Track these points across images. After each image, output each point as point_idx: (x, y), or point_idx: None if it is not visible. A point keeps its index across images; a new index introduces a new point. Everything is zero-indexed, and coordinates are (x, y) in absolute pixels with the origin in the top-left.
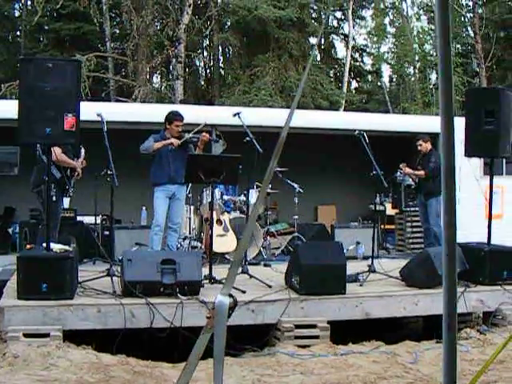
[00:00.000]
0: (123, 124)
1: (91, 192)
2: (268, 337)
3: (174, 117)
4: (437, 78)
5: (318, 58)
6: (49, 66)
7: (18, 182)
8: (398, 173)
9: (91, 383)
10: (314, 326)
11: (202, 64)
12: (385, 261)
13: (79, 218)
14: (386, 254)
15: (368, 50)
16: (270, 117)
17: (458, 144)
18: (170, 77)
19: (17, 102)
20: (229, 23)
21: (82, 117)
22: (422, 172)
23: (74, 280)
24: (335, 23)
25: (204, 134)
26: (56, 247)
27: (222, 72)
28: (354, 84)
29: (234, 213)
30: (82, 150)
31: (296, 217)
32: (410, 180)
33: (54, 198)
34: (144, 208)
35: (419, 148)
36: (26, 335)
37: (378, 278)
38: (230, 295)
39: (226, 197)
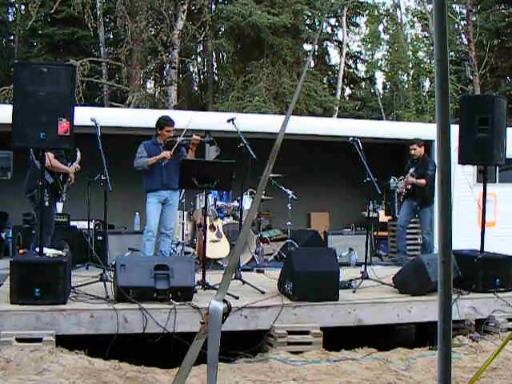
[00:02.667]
0: (117, 129)
1: (84, 197)
2: (261, 343)
3: (164, 122)
4: (430, 85)
5: (312, 65)
6: (43, 71)
7: (10, 186)
8: (391, 180)
9: None
10: (306, 333)
11: (195, 70)
12: (378, 267)
13: (72, 223)
14: (378, 260)
15: (362, 56)
16: (264, 123)
17: (451, 151)
18: (164, 82)
19: (10, 106)
20: (223, 29)
21: (76, 122)
22: (423, 181)
23: (67, 285)
24: (329, 30)
25: (195, 136)
26: (49, 252)
27: (216, 78)
28: (348, 91)
29: (227, 219)
30: (78, 154)
31: (289, 223)
32: (401, 186)
33: (46, 204)
34: (137, 213)
35: (413, 152)
36: (18, 340)
37: (371, 285)
38: (224, 301)
39: (219, 203)
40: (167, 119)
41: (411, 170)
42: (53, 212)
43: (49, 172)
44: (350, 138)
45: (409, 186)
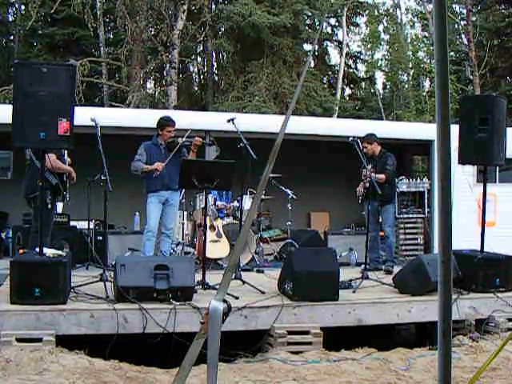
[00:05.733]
0: (117, 129)
1: (84, 197)
2: (261, 343)
3: (165, 122)
4: (430, 85)
5: (312, 65)
6: (43, 71)
7: (10, 186)
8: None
9: None
10: (306, 333)
11: (195, 70)
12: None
13: (72, 223)
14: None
15: (362, 56)
16: (264, 123)
17: (451, 151)
18: (164, 82)
19: (10, 106)
20: (223, 29)
21: (76, 122)
22: (382, 176)
23: (67, 285)
24: (329, 30)
25: (197, 138)
26: (49, 252)
27: (216, 78)
28: (348, 91)
29: (227, 219)
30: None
31: (289, 223)
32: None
33: (49, 206)
34: (137, 213)
35: (365, 151)
36: (18, 340)
37: (371, 285)
38: (224, 301)
39: (219, 203)
40: (168, 119)
41: (369, 167)
42: (53, 213)
43: (51, 173)
44: (350, 138)
45: (367, 185)
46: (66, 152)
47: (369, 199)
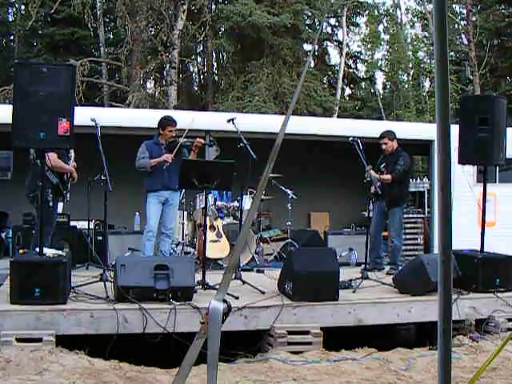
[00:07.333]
0: (117, 129)
1: (84, 197)
2: (261, 343)
3: (167, 122)
4: (430, 85)
5: (312, 65)
6: (43, 71)
7: (10, 186)
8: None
9: None
10: (306, 333)
11: (195, 70)
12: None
13: (72, 223)
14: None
15: (362, 56)
16: (264, 123)
17: (451, 151)
18: (164, 82)
19: (10, 106)
20: (223, 29)
21: (76, 122)
22: (388, 176)
23: (67, 285)
24: (329, 30)
25: (198, 139)
26: (49, 252)
27: (216, 78)
28: (348, 91)
29: (227, 219)
30: (72, 151)
31: (289, 223)
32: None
33: (50, 204)
34: (137, 213)
35: (384, 147)
36: (18, 340)
37: (371, 285)
38: (224, 301)
39: (219, 203)
40: (170, 119)
41: (381, 167)
42: (55, 212)
43: (52, 172)
44: (350, 138)
45: (378, 184)
46: (72, 154)
47: (377, 199)
